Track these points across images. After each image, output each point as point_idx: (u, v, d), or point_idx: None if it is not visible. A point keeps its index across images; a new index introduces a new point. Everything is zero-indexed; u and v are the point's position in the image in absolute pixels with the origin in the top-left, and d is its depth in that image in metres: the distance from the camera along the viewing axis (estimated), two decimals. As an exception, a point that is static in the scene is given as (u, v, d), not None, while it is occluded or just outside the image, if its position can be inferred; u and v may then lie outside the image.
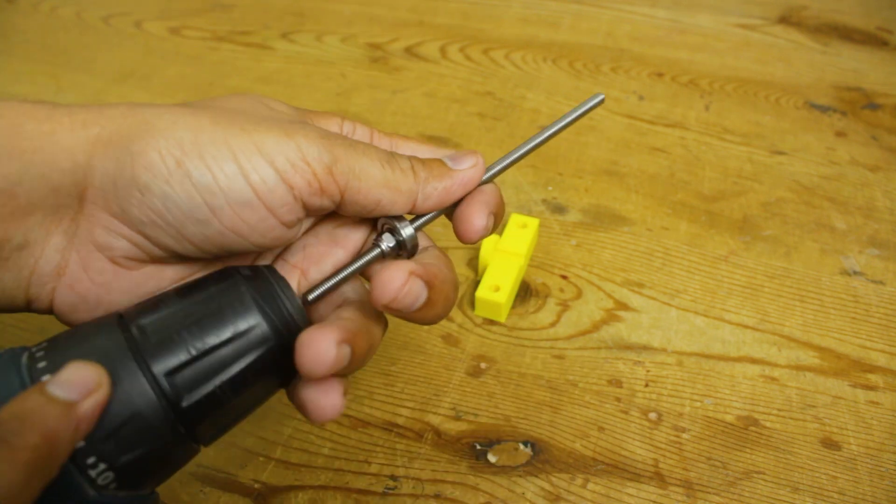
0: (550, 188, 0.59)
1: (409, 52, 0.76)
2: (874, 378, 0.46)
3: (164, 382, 0.25)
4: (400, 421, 0.44)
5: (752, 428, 0.43)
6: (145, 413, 0.25)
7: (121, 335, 0.26)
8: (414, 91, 0.70)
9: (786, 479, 0.41)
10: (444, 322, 0.49)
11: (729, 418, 0.44)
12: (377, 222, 0.32)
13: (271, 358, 0.27)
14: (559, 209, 0.57)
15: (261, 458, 0.42)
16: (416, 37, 0.78)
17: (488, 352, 0.47)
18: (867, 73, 0.72)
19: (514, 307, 0.50)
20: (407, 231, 0.31)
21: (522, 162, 0.62)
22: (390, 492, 0.40)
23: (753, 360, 0.47)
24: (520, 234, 0.52)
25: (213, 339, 0.26)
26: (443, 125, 0.66)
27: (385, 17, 0.81)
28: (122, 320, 0.27)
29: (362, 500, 0.40)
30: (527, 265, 0.53)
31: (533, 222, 0.53)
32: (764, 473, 0.41)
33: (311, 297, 0.30)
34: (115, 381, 0.25)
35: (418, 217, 0.32)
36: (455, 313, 0.50)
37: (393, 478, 0.41)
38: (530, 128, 0.65)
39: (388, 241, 0.31)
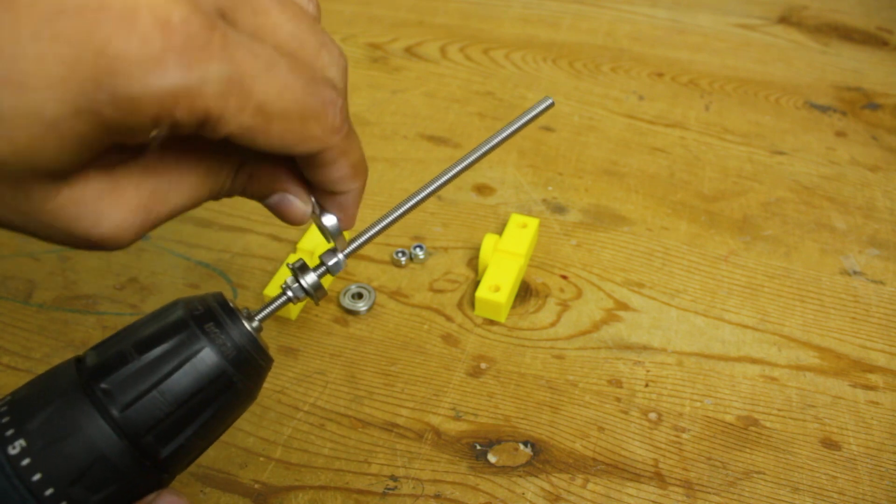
0: (550, 188, 0.59)
1: (409, 52, 0.76)
2: (874, 378, 0.46)
3: (123, 422, 0.26)
4: (400, 421, 0.44)
5: (752, 428, 0.43)
6: (108, 454, 0.26)
7: (78, 382, 0.27)
8: (414, 91, 0.70)
9: (786, 479, 0.41)
10: (444, 322, 0.49)
11: (729, 418, 0.44)
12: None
13: (227, 386, 0.28)
14: (559, 209, 0.57)
15: (261, 459, 0.42)
16: (416, 37, 0.78)
17: (488, 352, 0.47)
18: (867, 73, 0.72)
19: (514, 307, 0.50)
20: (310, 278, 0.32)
21: (522, 161, 0.62)
22: (390, 492, 0.40)
23: (753, 360, 0.47)
24: (520, 234, 0.52)
25: (167, 374, 0.27)
26: (443, 125, 0.66)
27: (385, 17, 0.81)
28: (79, 366, 0.28)
29: (362, 500, 0.40)
30: (527, 265, 0.53)
31: (533, 222, 0.53)
32: (764, 473, 0.41)
33: (257, 320, 0.31)
34: (75, 426, 0.26)
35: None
36: (455, 313, 0.50)
37: (393, 478, 0.41)
38: (530, 127, 0.65)
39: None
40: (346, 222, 0.31)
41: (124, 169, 0.25)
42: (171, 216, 0.27)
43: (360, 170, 0.29)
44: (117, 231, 0.25)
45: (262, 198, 0.30)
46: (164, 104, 0.21)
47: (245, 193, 0.30)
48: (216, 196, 0.29)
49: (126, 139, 0.22)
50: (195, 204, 0.28)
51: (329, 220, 0.31)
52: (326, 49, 0.28)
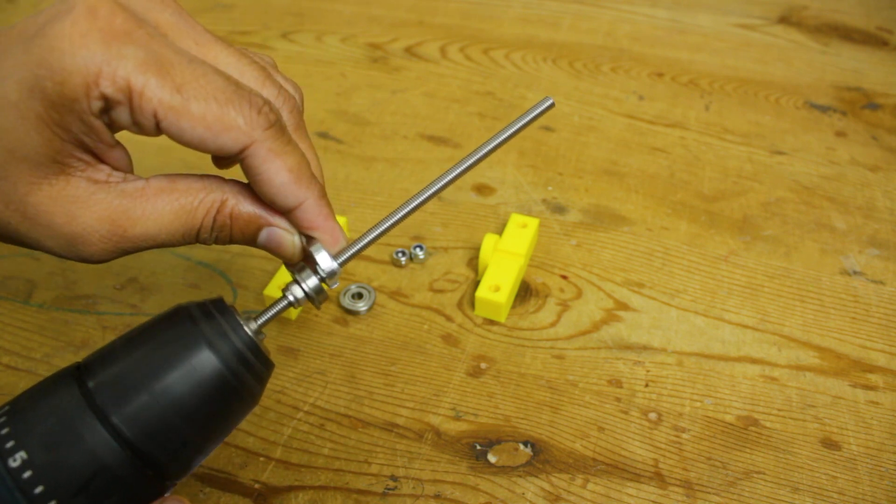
0: (550, 188, 0.59)
1: (409, 51, 0.76)
2: (874, 378, 0.46)
3: (125, 431, 0.26)
4: (400, 421, 0.44)
5: (752, 428, 0.43)
6: (111, 464, 0.26)
7: (77, 390, 0.27)
8: (414, 91, 0.70)
9: (786, 479, 0.41)
10: (444, 322, 0.49)
11: (729, 418, 0.44)
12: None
13: (228, 391, 0.28)
14: (559, 209, 0.57)
15: (261, 459, 0.42)
16: (416, 37, 0.78)
17: (488, 352, 0.47)
18: (867, 73, 0.72)
19: (514, 307, 0.50)
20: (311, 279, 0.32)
21: (522, 161, 0.62)
22: (390, 492, 0.40)
23: (753, 360, 0.47)
24: (520, 234, 0.52)
25: (168, 382, 0.27)
26: (443, 125, 0.66)
27: (385, 17, 0.81)
28: (79, 374, 0.27)
29: (362, 500, 0.40)
30: (527, 265, 0.53)
31: (533, 222, 0.53)
32: (764, 473, 0.41)
33: (259, 325, 0.31)
34: (77, 437, 0.26)
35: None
36: (455, 313, 0.50)
37: (393, 478, 0.41)
38: (530, 127, 0.65)
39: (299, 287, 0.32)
40: (329, 241, 0.31)
41: (105, 186, 0.28)
42: (143, 242, 0.29)
43: (304, 176, 0.30)
44: (85, 233, 0.28)
45: (251, 240, 0.31)
46: (89, 73, 0.25)
47: (233, 239, 0.31)
48: (197, 235, 0.30)
49: (72, 117, 0.26)
50: (171, 237, 0.29)
51: (324, 259, 0.31)
52: (272, 81, 0.31)
